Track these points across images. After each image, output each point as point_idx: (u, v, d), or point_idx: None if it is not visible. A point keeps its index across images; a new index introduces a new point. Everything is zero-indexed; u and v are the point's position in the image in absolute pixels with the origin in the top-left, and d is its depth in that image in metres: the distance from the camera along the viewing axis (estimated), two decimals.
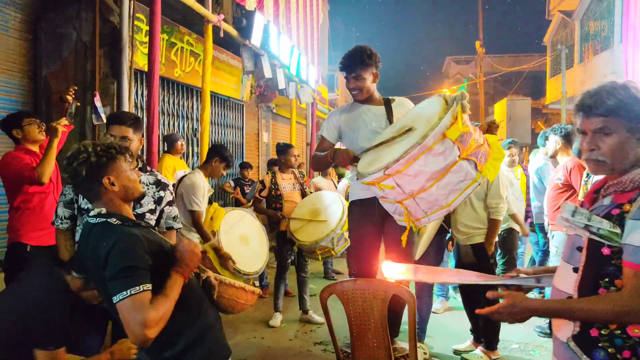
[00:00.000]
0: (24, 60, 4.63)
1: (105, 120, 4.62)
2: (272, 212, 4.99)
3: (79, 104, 3.70)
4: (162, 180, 2.75)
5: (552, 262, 5.07)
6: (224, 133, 7.96)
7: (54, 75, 4.76)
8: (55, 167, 3.37)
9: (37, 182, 3.16)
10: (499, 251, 4.69)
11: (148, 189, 2.66)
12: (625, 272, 1.40)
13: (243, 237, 4.20)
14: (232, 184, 7.19)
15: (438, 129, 2.05)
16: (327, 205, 4.89)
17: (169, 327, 1.71)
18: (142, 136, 2.80)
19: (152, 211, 2.67)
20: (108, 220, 1.80)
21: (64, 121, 3.34)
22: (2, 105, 4.34)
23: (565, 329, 1.52)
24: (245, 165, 7.36)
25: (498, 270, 5.09)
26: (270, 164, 7.44)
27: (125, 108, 4.73)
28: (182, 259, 1.81)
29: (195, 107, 6.82)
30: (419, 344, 3.92)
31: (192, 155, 6.96)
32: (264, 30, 5.84)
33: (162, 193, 2.70)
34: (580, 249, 1.50)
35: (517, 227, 4.81)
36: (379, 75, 3.08)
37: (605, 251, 1.44)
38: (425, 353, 3.89)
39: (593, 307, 1.41)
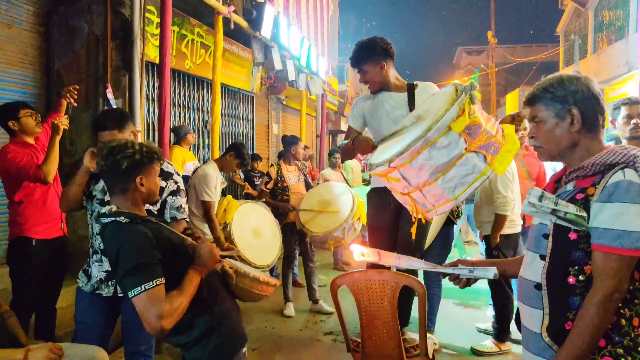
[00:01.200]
0: (37, 53, 4.67)
1: None
2: (281, 204, 5.01)
3: (75, 104, 3.66)
4: (165, 170, 2.72)
5: None
6: (235, 125, 7.98)
7: (66, 68, 4.80)
8: None
9: (43, 181, 3.14)
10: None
11: None
12: (594, 255, 1.42)
13: (255, 230, 4.22)
14: (242, 175, 7.22)
15: (442, 122, 2.03)
16: (337, 196, 4.90)
17: (186, 313, 1.79)
18: (134, 126, 2.81)
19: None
20: (117, 219, 1.88)
21: (65, 120, 3.26)
22: (16, 98, 4.38)
23: (535, 320, 1.52)
24: (255, 157, 7.37)
25: None
26: (281, 156, 7.46)
27: (137, 100, 4.76)
28: (200, 258, 1.91)
29: (205, 98, 6.85)
30: (428, 335, 3.94)
31: (203, 147, 7.00)
32: (274, 21, 5.83)
33: (163, 183, 2.68)
34: (546, 236, 1.52)
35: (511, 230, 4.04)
36: (394, 61, 3.05)
37: (572, 236, 1.46)
38: (435, 344, 3.91)
39: (586, 320, 1.39)
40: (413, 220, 2.39)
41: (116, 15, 4.78)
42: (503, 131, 2.21)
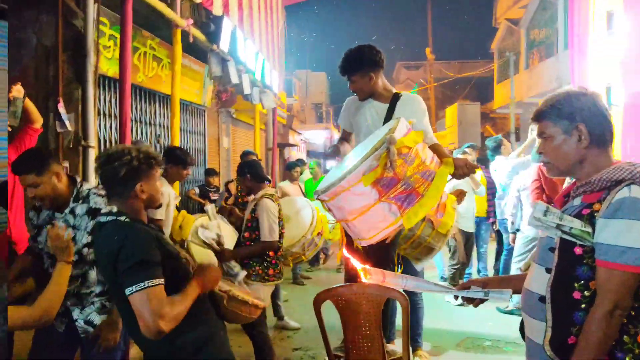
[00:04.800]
0: None
1: (69, 127, 4.45)
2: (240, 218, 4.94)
3: (20, 96, 3.30)
4: (94, 207, 2.52)
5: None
6: (186, 139, 7.79)
7: (13, 82, 4.52)
8: None
9: None
10: None
11: (81, 221, 2.50)
12: (598, 271, 1.44)
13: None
14: (197, 190, 7.07)
15: (356, 173, 2.14)
16: (297, 211, 4.87)
17: (172, 331, 1.73)
18: (60, 166, 2.63)
19: (88, 245, 2.47)
20: (118, 218, 1.85)
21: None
22: None
23: (538, 332, 1.55)
24: (210, 172, 7.25)
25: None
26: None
27: (90, 115, 4.55)
28: (206, 275, 1.90)
29: (158, 112, 6.65)
30: (419, 352, 3.98)
31: None
32: (231, 35, 5.79)
33: (92, 222, 2.49)
34: (552, 249, 1.54)
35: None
36: (383, 69, 3.04)
37: (578, 251, 1.48)
38: None
39: (589, 336, 1.42)
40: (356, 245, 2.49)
41: (68, 27, 4.58)
42: (433, 178, 2.29)
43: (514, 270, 5.36)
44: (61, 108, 4.39)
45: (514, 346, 4.34)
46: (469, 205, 5.77)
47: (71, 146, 4.50)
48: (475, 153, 6.35)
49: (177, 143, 4.76)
